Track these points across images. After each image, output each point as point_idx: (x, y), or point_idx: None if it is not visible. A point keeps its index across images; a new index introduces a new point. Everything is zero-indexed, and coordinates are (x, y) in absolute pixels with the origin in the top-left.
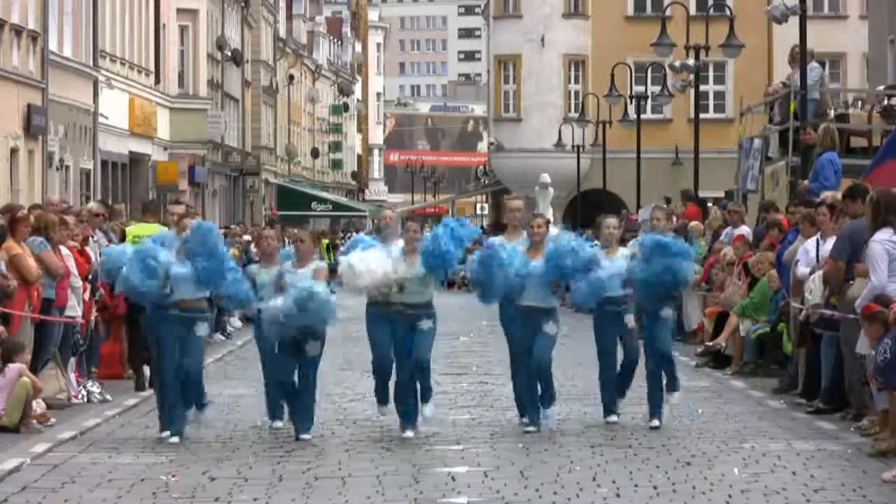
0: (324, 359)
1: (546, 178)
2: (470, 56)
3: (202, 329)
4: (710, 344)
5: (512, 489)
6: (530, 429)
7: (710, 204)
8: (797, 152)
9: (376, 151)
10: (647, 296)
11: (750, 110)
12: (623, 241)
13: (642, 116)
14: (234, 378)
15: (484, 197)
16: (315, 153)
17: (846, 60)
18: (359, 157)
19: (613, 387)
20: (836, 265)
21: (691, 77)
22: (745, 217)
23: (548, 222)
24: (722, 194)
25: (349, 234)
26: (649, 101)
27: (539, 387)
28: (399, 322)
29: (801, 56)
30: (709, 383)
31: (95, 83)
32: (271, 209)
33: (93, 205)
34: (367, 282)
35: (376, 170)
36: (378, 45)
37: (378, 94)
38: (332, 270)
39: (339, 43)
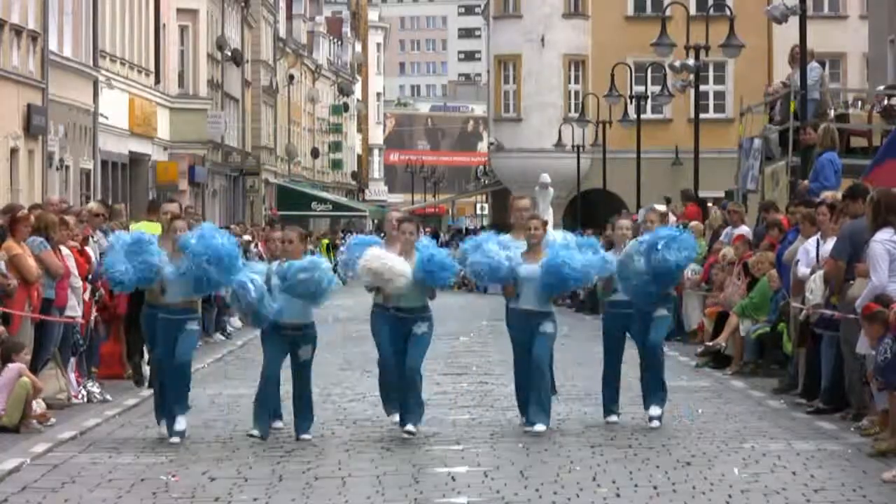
0: (324, 359)
1: (546, 178)
2: (470, 56)
3: (193, 325)
4: (710, 344)
5: (512, 489)
6: (533, 429)
7: (710, 204)
8: (797, 152)
9: (376, 151)
10: (639, 296)
11: (750, 110)
12: None
13: (642, 116)
14: (234, 378)
15: (484, 197)
16: (315, 153)
17: (846, 60)
18: (359, 157)
19: (615, 387)
20: (836, 265)
21: (691, 77)
22: (745, 217)
23: (545, 223)
24: (722, 194)
25: (348, 234)
26: (649, 101)
27: (538, 385)
28: (397, 324)
29: (801, 56)
30: (709, 383)
31: (95, 83)
32: (272, 209)
33: (93, 205)
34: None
35: (376, 170)
36: (378, 45)
37: (378, 94)
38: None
39: (339, 43)
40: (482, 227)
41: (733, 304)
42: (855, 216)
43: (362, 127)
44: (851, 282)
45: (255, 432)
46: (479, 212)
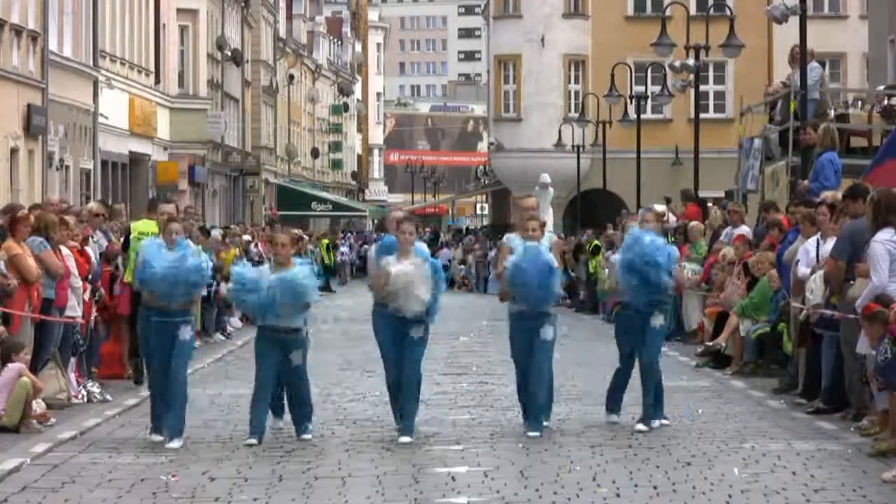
0: (324, 359)
1: (546, 178)
2: (470, 56)
3: (186, 332)
4: (710, 344)
5: (512, 489)
6: (532, 433)
7: (710, 204)
8: (797, 152)
9: (376, 151)
10: (635, 295)
11: (750, 110)
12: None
13: (642, 116)
14: (234, 378)
15: (484, 197)
16: (315, 153)
17: (846, 60)
18: (359, 157)
19: (622, 389)
20: (836, 265)
21: (691, 77)
22: (745, 217)
23: (543, 224)
24: (722, 194)
25: (348, 234)
26: (649, 101)
27: (538, 393)
28: (397, 324)
29: (801, 56)
30: (709, 383)
31: (95, 83)
32: (272, 210)
33: (93, 205)
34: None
35: (376, 170)
36: (378, 45)
37: (378, 94)
38: (332, 271)
39: (339, 43)
40: (483, 228)
41: (733, 304)
42: (855, 216)
43: (362, 127)
44: (852, 282)
45: (252, 441)
46: (479, 212)
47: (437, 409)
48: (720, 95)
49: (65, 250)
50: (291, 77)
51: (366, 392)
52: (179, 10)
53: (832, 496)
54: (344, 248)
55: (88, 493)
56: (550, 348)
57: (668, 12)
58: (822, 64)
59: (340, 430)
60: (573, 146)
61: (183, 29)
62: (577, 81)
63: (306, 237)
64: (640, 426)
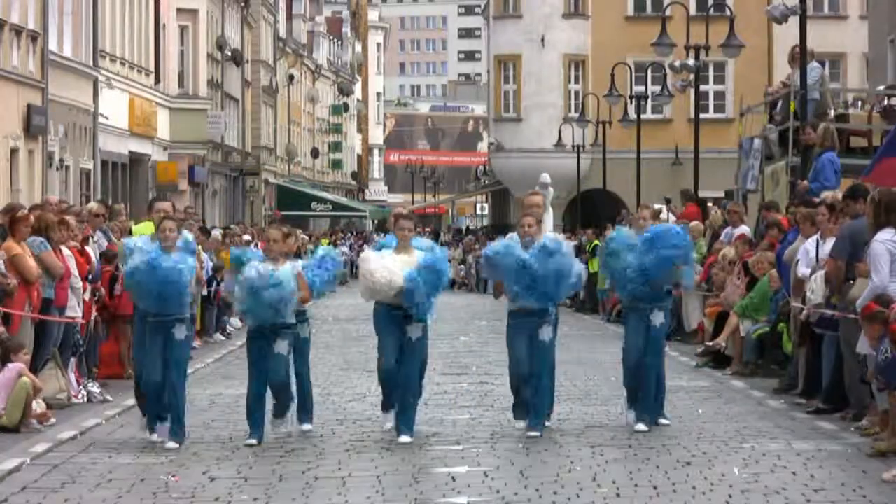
0: (324, 359)
1: (546, 177)
2: (470, 56)
3: (181, 331)
4: (710, 344)
5: (512, 489)
6: (532, 433)
7: (709, 204)
8: (797, 152)
9: (376, 151)
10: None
11: (750, 110)
12: None
13: (642, 116)
14: (234, 378)
15: (484, 197)
16: (315, 153)
17: (846, 60)
18: (359, 157)
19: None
20: (836, 265)
21: (691, 77)
22: (745, 217)
23: (539, 221)
24: (722, 194)
25: (348, 234)
26: (649, 101)
27: (537, 394)
28: (398, 323)
29: (801, 56)
30: (709, 383)
31: (95, 83)
32: (275, 210)
33: (93, 205)
34: (377, 289)
35: (376, 170)
36: (378, 45)
37: (378, 94)
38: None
39: (339, 43)
40: (483, 228)
41: (733, 304)
42: (855, 216)
43: (362, 127)
44: (852, 282)
45: (252, 441)
46: (479, 212)
47: (437, 409)
48: (720, 95)
49: (65, 250)
50: (291, 77)
51: (366, 392)
52: (179, 10)
53: (832, 496)
54: (344, 248)
55: (88, 493)
56: (549, 350)
57: (668, 12)
58: (822, 64)
59: (340, 430)
60: (573, 146)
61: (183, 29)
62: (577, 81)
63: (305, 236)
64: (641, 426)
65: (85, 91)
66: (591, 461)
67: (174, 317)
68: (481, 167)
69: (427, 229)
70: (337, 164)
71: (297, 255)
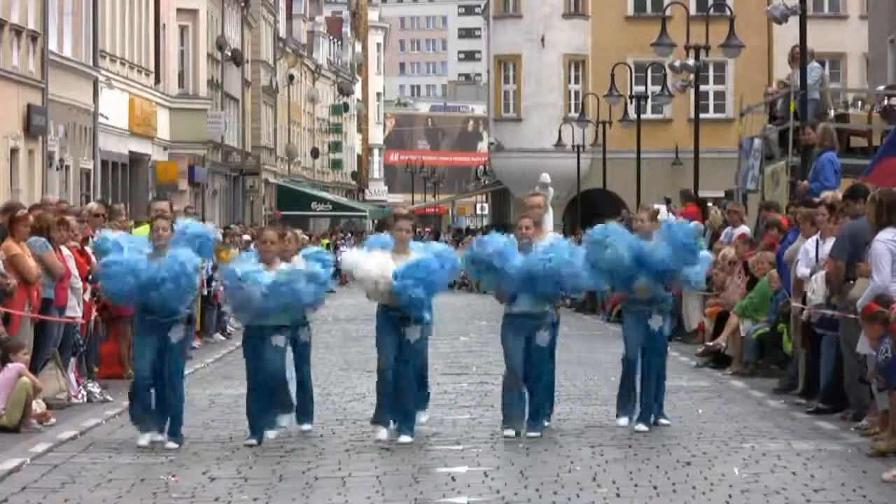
0: (324, 359)
1: (546, 177)
2: (470, 56)
3: (178, 332)
4: (710, 344)
5: (512, 489)
6: (532, 434)
7: (709, 204)
8: (797, 152)
9: (376, 151)
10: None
11: (750, 110)
12: None
13: (642, 116)
14: (234, 378)
15: (484, 197)
16: (315, 153)
17: (846, 60)
18: (359, 157)
19: (636, 394)
20: (836, 265)
21: (691, 77)
22: (745, 217)
23: (536, 223)
24: (722, 194)
25: (349, 234)
26: (649, 101)
27: (533, 398)
28: (397, 325)
29: (801, 56)
30: (709, 383)
31: (95, 83)
32: (275, 211)
33: (93, 205)
34: (366, 285)
35: (376, 170)
36: (378, 45)
37: (378, 94)
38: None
39: (339, 43)
40: (483, 228)
41: (734, 304)
42: (855, 216)
43: (362, 127)
44: (852, 282)
45: (252, 441)
46: (479, 212)
47: (437, 409)
48: (720, 95)
49: (65, 250)
50: (291, 77)
51: (366, 392)
52: (179, 10)
53: (832, 496)
54: (344, 248)
55: (88, 493)
56: (545, 354)
57: (668, 12)
58: (822, 64)
59: (340, 430)
60: (573, 146)
61: (183, 29)
62: (577, 81)
63: (305, 236)
64: (641, 426)
65: (85, 91)
66: (591, 461)
67: (171, 318)
68: (481, 167)
69: (427, 229)
70: (337, 164)
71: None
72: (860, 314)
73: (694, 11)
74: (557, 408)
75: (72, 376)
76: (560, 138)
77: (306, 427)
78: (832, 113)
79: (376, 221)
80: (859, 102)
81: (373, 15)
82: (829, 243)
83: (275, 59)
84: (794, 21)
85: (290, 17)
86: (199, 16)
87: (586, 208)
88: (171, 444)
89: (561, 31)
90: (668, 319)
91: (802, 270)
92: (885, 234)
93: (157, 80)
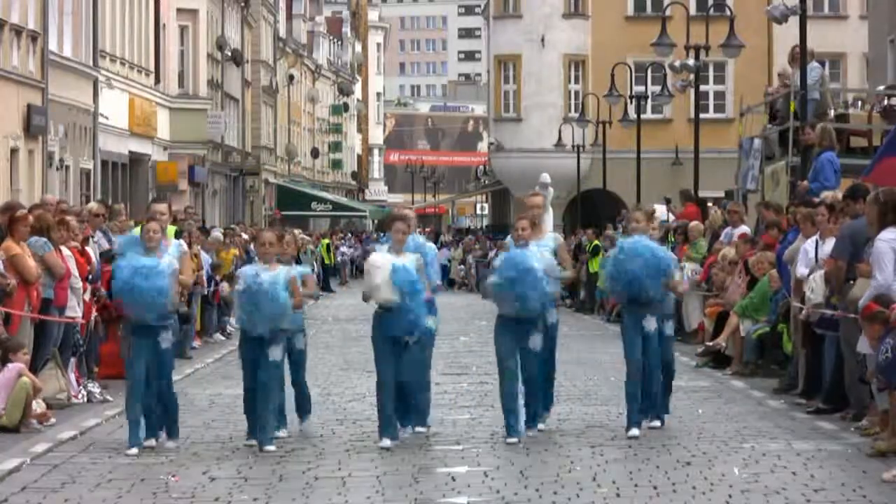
0: (324, 359)
1: (546, 177)
2: (470, 56)
3: (166, 340)
4: (711, 344)
5: (512, 489)
6: (507, 440)
7: (709, 204)
8: (797, 152)
9: (376, 151)
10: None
11: (750, 110)
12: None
13: (642, 116)
14: (234, 378)
15: (484, 197)
16: (315, 153)
17: (846, 60)
18: (359, 157)
19: (636, 397)
20: (836, 265)
21: (691, 77)
22: (745, 217)
23: (534, 223)
24: (722, 194)
25: (349, 234)
26: (649, 101)
27: (526, 398)
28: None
29: (801, 56)
30: (709, 383)
31: (95, 83)
32: (275, 211)
33: (93, 205)
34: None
35: (376, 170)
36: (378, 45)
37: (378, 94)
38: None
39: (339, 43)
40: (482, 228)
41: (734, 303)
42: (855, 216)
43: (362, 127)
44: (852, 282)
45: (252, 441)
46: (479, 212)
47: (437, 409)
48: (720, 95)
49: (65, 250)
50: (291, 77)
51: (366, 392)
52: (179, 10)
53: (832, 496)
54: (344, 248)
55: (88, 493)
56: (537, 357)
57: (668, 12)
58: (822, 64)
59: (340, 430)
60: (573, 146)
61: (183, 29)
62: (577, 81)
63: (305, 236)
64: (634, 431)
65: (85, 91)
66: (591, 461)
67: (160, 324)
68: (481, 167)
69: (427, 229)
70: (337, 164)
71: (297, 259)
72: (860, 314)
73: (694, 11)
74: (557, 408)
75: (72, 376)
76: (560, 138)
77: (305, 423)
78: (832, 113)
79: (376, 221)
80: (859, 102)
81: (373, 15)
82: (829, 243)
83: (275, 59)
84: (794, 21)
85: (290, 17)
86: (199, 16)
87: (586, 208)
88: (171, 444)
89: (561, 31)
90: (667, 322)
91: (802, 270)
92: (888, 234)
93: (157, 80)
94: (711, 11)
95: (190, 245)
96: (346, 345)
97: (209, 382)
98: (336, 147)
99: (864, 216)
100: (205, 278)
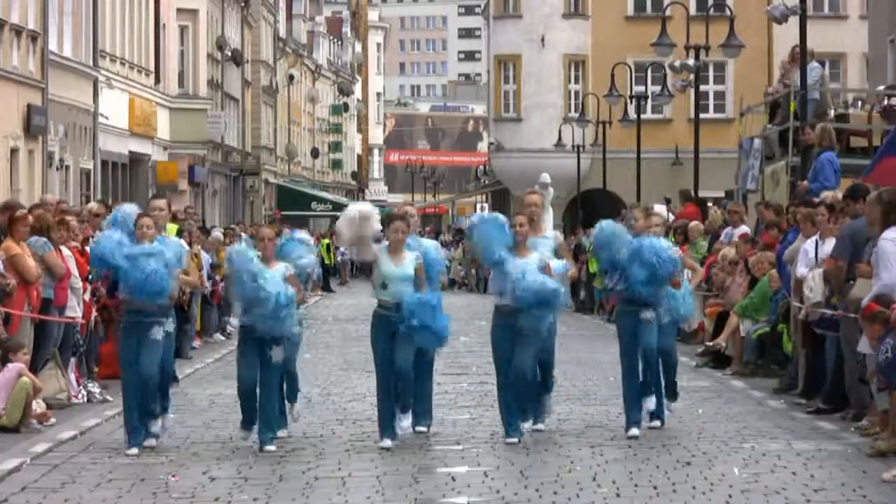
0: (324, 359)
1: (546, 177)
2: (470, 56)
3: (159, 333)
4: (711, 344)
5: (512, 489)
6: (507, 440)
7: (709, 204)
8: (797, 152)
9: (376, 151)
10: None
11: (750, 110)
12: None
13: (642, 116)
14: (233, 378)
15: (484, 197)
16: (315, 153)
17: (846, 60)
18: (359, 157)
19: (636, 397)
20: (836, 264)
21: (691, 77)
22: (745, 217)
23: (532, 220)
24: (722, 194)
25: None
26: (649, 101)
27: (518, 395)
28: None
29: (801, 56)
30: (709, 383)
31: (95, 83)
32: (275, 210)
33: (93, 205)
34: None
35: (376, 170)
36: (378, 45)
37: (378, 94)
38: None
39: (339, 43)
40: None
41: (735, 303)
42: (855, 216)
43: (362, 127)
44: (852, 282)
45: (245, 434)
46: (479, 212)
47: (437, 409)
48: (720, 95)
49: (65, 250)
50: (291, 77)
51: (366, 392)
52: (179, 10)
53: (832, 496)
54: (344, 248)
55: (88, 493)
56: (532, 346)
57: (668, 12)
58: (822, 64)
59: (340, 430)
60: (573, 146)
61: (183, 29)
62: (577, 81)
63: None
64: (634, 431)
65: (85, 91)
66: (591, 461)
67: (151, 320)
68: (481, 167)
69: (427, 229)
70: (337, 164)
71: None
72: (860, 314)
73: (694, 11)
74: (557, 407)
75: (72, 376)
76: (560, 138)
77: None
78: (832, 113)
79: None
80: (859, 102)
81: (373, 15)
82: (829, 243)
83: (275, 59)
84: (794, 21)
85: (290, 17)
86: (199, 16)
87: (586, 208)
88: (169, 417)
89: (561, 31)
90: (667, 313)
91: (802, 270)
92: (892, 233)
93: (157, 80)
94: (711, 11)
95: (190, 245)
96: (346, 345)
97: (209, 382)
98: (336, 147)
99: (864, 216)
100: (205, 278)
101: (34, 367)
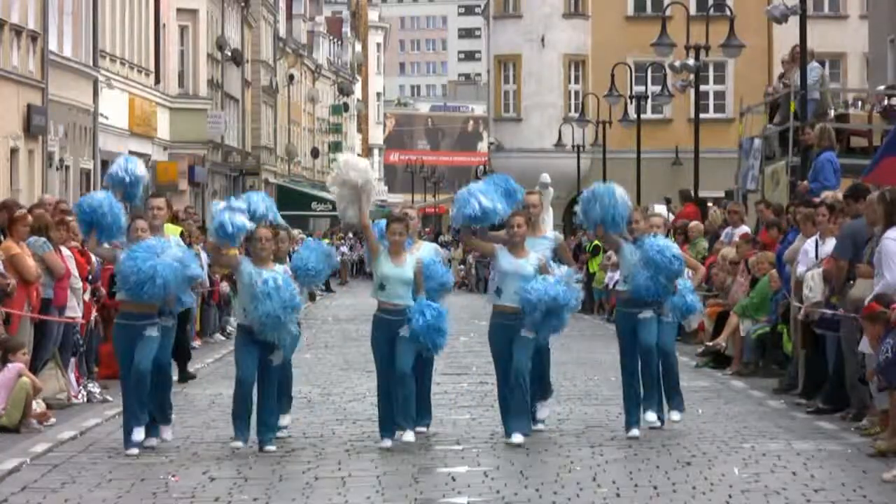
0: (324, 359)
1: (546, 177)
2: (470, 56)
3: (153, 332)
4: (711, 344)
5: (512, 489)
6: (511, 440)
7: (709, 204)
8: (797, 152)
9: (376, 151)
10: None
11: (750, 110)
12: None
13: (642, 116)
14: (234, 378)
15: None
16: (315, 153)
17: (846, 60)
18: (359, 157)
19: (635, 397)
20: (838, 264)
21: (691, 77)
22: (745, 217)
23: (528, 220)
24: (722, 194)
25: (349, 234)
26: (649, 101)
27: (515, 395)
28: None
29: (801, 56)
30: (709, 383)
31: (95, 83)
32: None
33: None
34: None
35: (376, 170)
36: (378, 45)
37: (378, 94)
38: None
39: (339, 43)
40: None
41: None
42: (855, 216)
43: (362, 127)
44: (852, 282)
45: (238, 444)
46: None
47: (437, 409)
48: (720, 95)
49: (65, 250)
50: (291, 77)
51: (366, 392)
52: (179, 10)
53: (832, 496)
54: (344, 248)
55: (88, 493)
56: (530, 346)
57: (668, 12)
58: (822, 64)
59: (340, 430)
60: (573, 146)
61: (183, 29)
62: (577, 81)
63: (304, 235)
64: (634, 431)
65: (85, 91)
66: (591, 461)
67: (146, 321)
68: (481, 167)
69: (427, 230)
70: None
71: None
72: (861, 314)
73: (694, 11)
74: (557, 407)
75: (72, 376)
76: (560, 138)
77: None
78: (832, 113)
79: (376, 221)
80: (859, 102)
81: (373, 15)
82: (829, 243)
83: (275, 59)
84: (794, 21)
85: (290, 17)
86: (199, 16)
87: None
88: (167, 434)
89: (561, 31)
90: (667, 313)
91: (801, 270)
92: (894, 233)
93: (157, 80)
94: (711, 11)
95: (190, 245)
96: (346, 345)
97: (209, 382)
98: (336, 147)
99: (864, 216)
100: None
101: (34, 367)
